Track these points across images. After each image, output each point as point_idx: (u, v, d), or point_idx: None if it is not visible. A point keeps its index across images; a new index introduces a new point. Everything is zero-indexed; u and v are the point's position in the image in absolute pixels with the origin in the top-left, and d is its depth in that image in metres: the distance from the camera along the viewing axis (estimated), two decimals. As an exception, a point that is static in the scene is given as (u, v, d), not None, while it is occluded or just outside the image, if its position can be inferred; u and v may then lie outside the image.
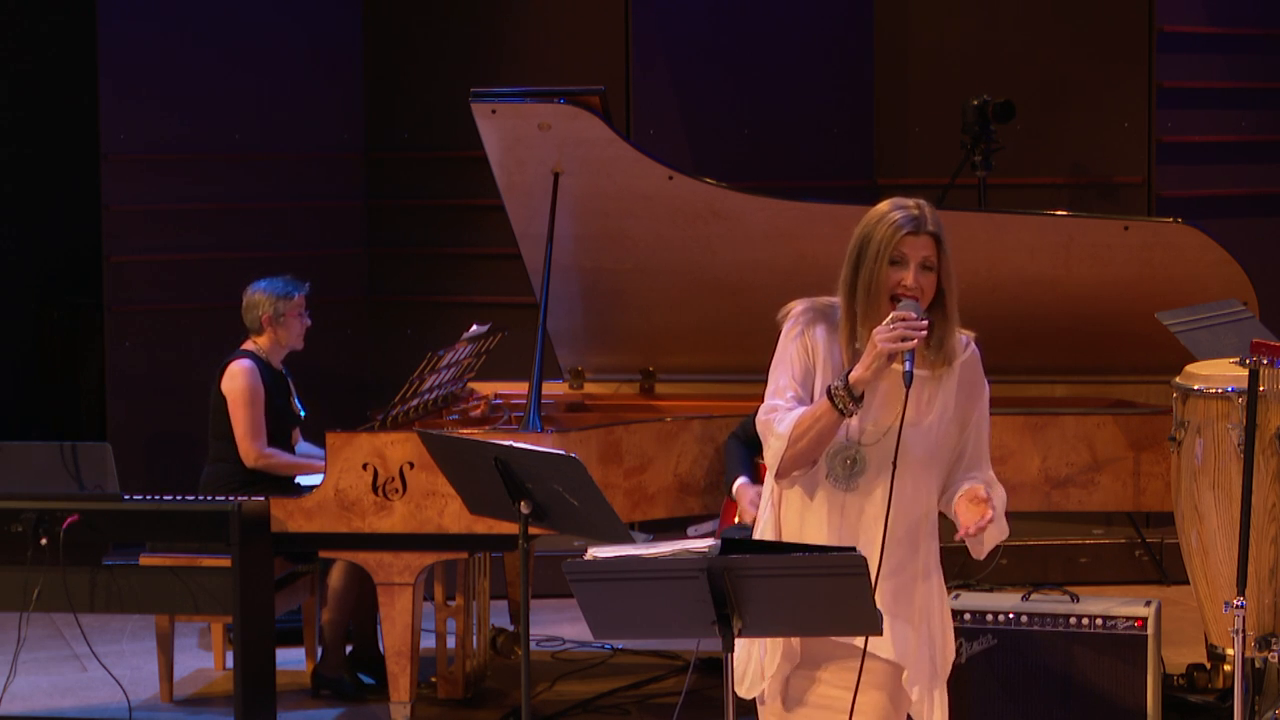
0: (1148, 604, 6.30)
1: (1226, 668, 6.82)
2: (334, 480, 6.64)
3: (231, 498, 6.71)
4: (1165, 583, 8.80)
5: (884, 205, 4.38)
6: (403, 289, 9.82)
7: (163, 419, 9.38)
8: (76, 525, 6.53)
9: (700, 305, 7.48)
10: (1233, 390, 5.77)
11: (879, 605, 4.23)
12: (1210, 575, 5.91)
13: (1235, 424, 5.73)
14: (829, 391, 4.32)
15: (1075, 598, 6.40)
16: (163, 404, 9.37)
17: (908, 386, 4.25)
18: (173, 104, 9.41)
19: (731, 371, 7.57)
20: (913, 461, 4.39)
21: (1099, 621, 6.26)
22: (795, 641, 4.45)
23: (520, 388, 7.56)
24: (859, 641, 4.34)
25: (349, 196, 9.80)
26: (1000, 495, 4.49)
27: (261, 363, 7.44)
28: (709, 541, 4.07)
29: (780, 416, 4.37)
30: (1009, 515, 4.56)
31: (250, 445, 7.33)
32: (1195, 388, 5.90)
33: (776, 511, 4.50)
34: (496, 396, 7.72)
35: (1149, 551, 9.04)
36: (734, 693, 4.28)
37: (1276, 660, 5.86)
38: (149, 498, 6.75)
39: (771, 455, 4.39)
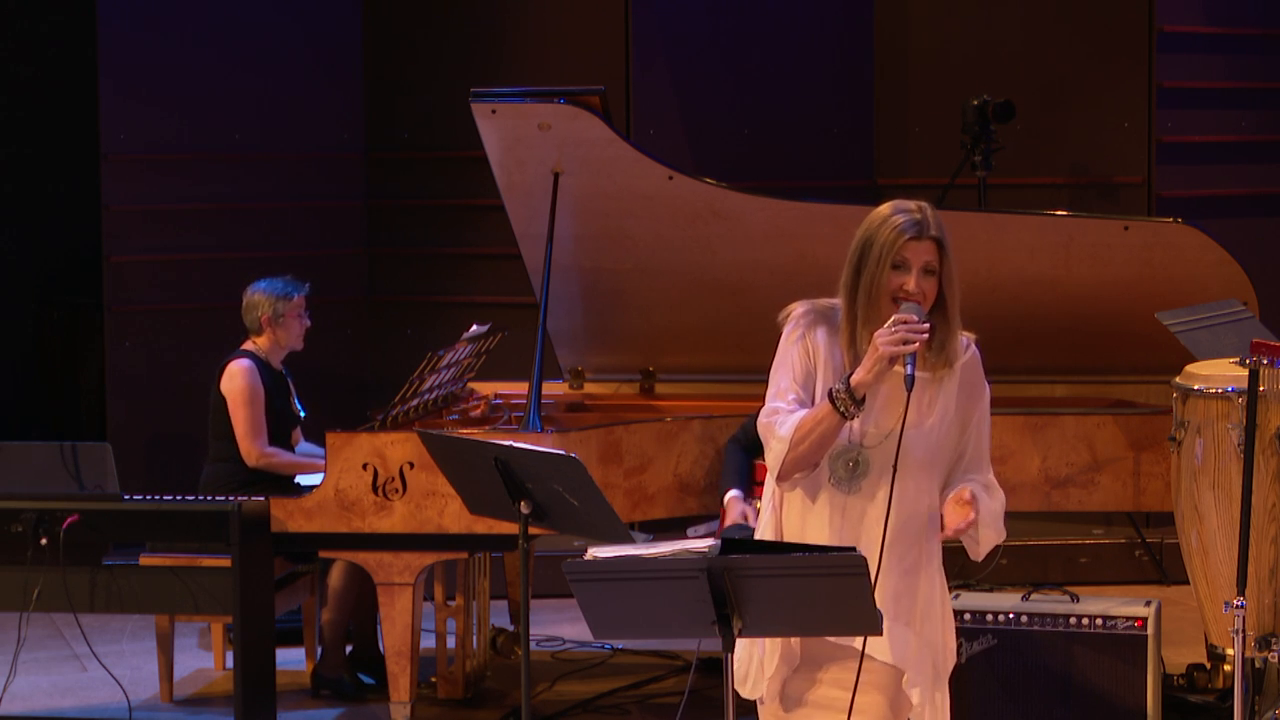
0: (1148, 604, 6.30)
1: (1226, 668, 6.82)
2: (334, 480, 6.64)
3: (231, 498, 6.71)
4: (1165, 583, 8.80)
5: (885, 208, 4.38)
6: (403, 289, 9.82)
7: (163, 419, 9.38)
8: (76, 525, 6.53)
9: (700, 305, 7.48)
10: (1233, 390, 5.77)
11: (879, 607, 4.23)
12: (1210, 575, 5.91)
13: (1235, 424, 5.73)
14: (830, 394, 4.31)
15: (1075, 598, 6.40)
16: (163, 404, 9.37)
17: (909, 390, 4.25)
18: (173, 104, 9.41)
19: (731, 371, 7.57)
20: (914, 464, 4.39)
21: (1099, 621, 6.26)
22: (794, 643, 4.45)
23: (520, 388, 7.56)
24: (859, 643, 4.34)
25: (349, 196, 9.80)
26: (999, 499, 4.49)
27: (261, 363, 7.44)
28: (709, 541, 4.07)
29: (782, 419, 4.37)
30: (1009, 515, 4.56)
31: (251, 445, 7.33)
32: (1195, 388, 5.90)
33: (778, 514, 4.50)
34: (496, 396, 7.72)
35: (1149, 551, 9.04)
36: (734, 693, 4.28)
37: (1276, 660, 5.86)
38: (149, 498, 6.75)
39: (773, 458, 4.38)
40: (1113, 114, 9.62)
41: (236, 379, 7.35)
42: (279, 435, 7.45)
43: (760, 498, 6.32)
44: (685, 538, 5.27)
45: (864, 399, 4.31)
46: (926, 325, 4.28)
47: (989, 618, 6.33)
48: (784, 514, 4.49)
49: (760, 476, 6.47)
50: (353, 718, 7.16)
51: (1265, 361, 5.61)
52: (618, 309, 7.57)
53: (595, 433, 6.73)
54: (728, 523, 6.44)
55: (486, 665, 7.50)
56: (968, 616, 6.29)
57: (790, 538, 4.46)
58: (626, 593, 4.08)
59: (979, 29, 9.73)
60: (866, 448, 4.40)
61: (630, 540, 4.94)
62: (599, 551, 4.09)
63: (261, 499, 6.71)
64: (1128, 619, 6.25)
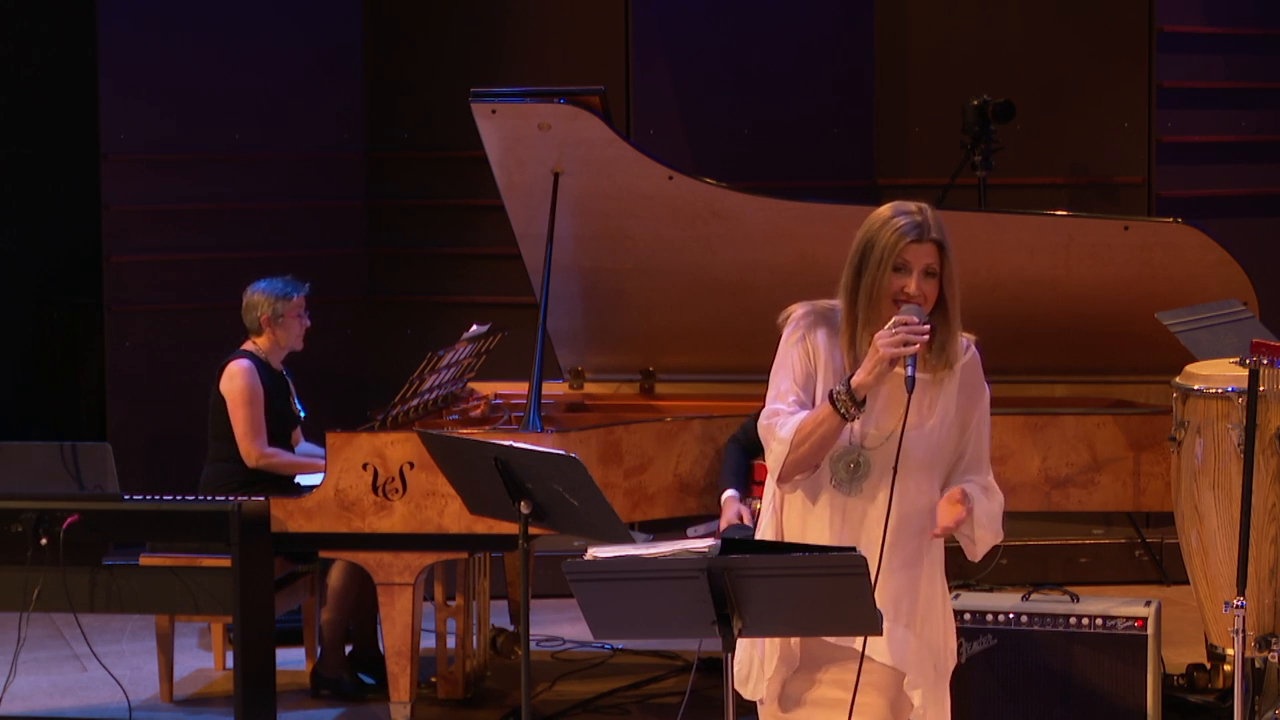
0: (1148, 604, 6.30)
1: (1226, 668, 6.82)
2: (334, 480, 6.64)
3: (231, 498, 6.71)
4: (1165, 583, 8.80)
5: (886, 210, 4.37)
6: (403, 289, 9.82)
7: (163, 419, 9.38)
8: (76, 525, 6.53)
9: (700, 305, 7.48)
10: (1233, 390, 5.77)
11: (880, 608, 4.23)
12: (1210, 575, 5.91)
13: (1235, 424, 5.73)
14: (831, 396, 4.31)
15: (1075, 598, 6.40)
16: (163, 404, 9.37)
17: (910, 391, 4.25)
18: (173, 104, 9.41)
19: (731, 371, 7.57)
20: (914, 465, 4.39)
21: (1099, 621, 6.26)
22: (794, 644, 4.45)
23: (520, 388, 7.56)
24: (859, 644, 4.34)
25: (349, 196, 9.80)
26: (997, 500, 4.49)
27: (260, 363, 7.44)
28: (709, 541, 4.07)
29: (782, 421, 4.36)
30: (1009, 515, 4.56)
31: (251, 445, 7.33)
32: (1195, 388, 5.90)
33: (778, 516, 4.50)
34: (496, 396, 7.72)
35: (1149, 551, 9.04)
36: (734, 693, 4.28)
37: (1276, 660, 5.86)
38: (149, 498, 6.75)
39: (774, 460, 4.38)
40: (1113, 114, 9.62)
41: (235, 379, 7.35)
42: (279, 435, 7.45)
43: (759, 498, 6.33)
44: (685, 538, 5.27)
45: (864, 400, 4.31)
46: (927, 327, 4.28)
47: (989, 618, 6.33)
48: (784, 516, 4.49)
49: (760, 477, 6.47)
50: (353, 718, 7.16)
51: (1265, 361, 5.61)
52: (618, 309, 7.57)
53: (595, 433, 6.73)
54: (723, 522, 6.44)
55: (486, 665, 7.50)
56: (968, 616, 6.29)
57: (791, 539, 4.46)
58: (626, 593, 4.08)
59: (979, 29, 9.73)
60: (867, 449, 4.39)
61: (630, 540, 4.94)
62: (599, 551, 4.09)
63: (261, 499, 6.71)
64: (1128, 619, 6.25)
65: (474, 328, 7.41)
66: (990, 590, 8.06)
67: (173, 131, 9.41)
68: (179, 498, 6.71)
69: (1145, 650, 6.22)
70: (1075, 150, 9.67)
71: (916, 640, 4.43)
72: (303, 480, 7.22)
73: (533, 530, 5.39)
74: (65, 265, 10.69)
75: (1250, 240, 8.76)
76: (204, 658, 7.93)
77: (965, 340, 4.46)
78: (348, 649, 7.43)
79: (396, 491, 6.61)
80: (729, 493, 6.48)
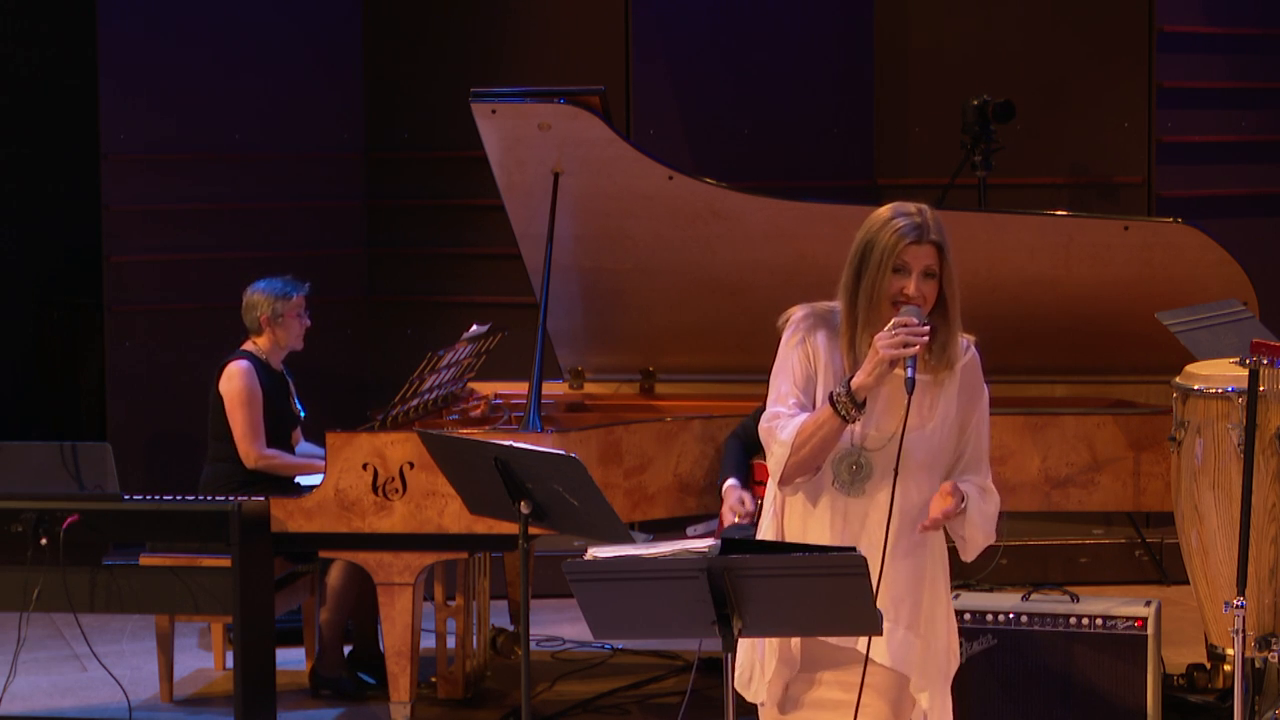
0: (1148, 604, 6.30)
1: (1226, 668, 6.82)
2: (334, 480, 6.64)
3: (231, 498, 6.71)
4: (1165, 583, 8.80)
5: (885, 211, 4.37)
6: (403, 289, 9.82)
7: (163, 419, 9.38)
8: (76, 525, 6.53)
9: (700, 305, 7.48)
10: (1233, 390, 5.77)
11: (882, 609, 4.24)
12: (1210, 575, 5.91)
13: (1235, 424, 5.73)
14: (831, 398, 4.31)
15: (1075, 598, 6.40)
16: (163, 404, 9.37)
17: (910, 393, 4.25)
18: (173, 104, 9.41)
19: (731, 371, 7.57)
20: (915, 466, 4.39)
21: (1099, 621, 6.26)
22: (794, 647, 4.45)
23: (520, 388, 7.56)
24: (860, 646, 4.34)
25: (349, 196, 9.80)
26: (993, 502, 4.48)
27: (260, 363, 7.44)
28: (709, 541, 4.07)
29: (783, 424, 4.36)
30: (1007, 515, 4.57)
31: (249, 447, 7.33)
32: (1195, 388, 5.90)
33: (779, 518, 4.50)
34: (496, 396, 7.72)
35: (1149, 551, 9.04)
36: (734, 693, 4.28)
37: (1276, 660, 5.86)
38: (149, 498, 6.75)
39: (775, 462, 4.38)
40: (1113, 114, 9.61)
41: (234, 380, 7.35)
42: (279, 435, 7.45)
43: (759, 495, 6.32)
44: (685, 538, 5.27)
45: (865, 402, 4.31)
46: (926, 328, 4.28)
47: (989, 618, 6.33)
48: (785, 517, 4.48)
49: (760, 476, 6.46)
50: (353, 718, 7.16)
51: (1265, 361, 5.61)
52: (618, 309, 7.57)
53: (595, 433, 6.73)
54: (725, 509, 6.42)
55: (486, 665, 7.50)
56: (968, 616, 6.29)
57: (792, 540, 4.45)
58: (626, 593, 4.08)
59: (979, 29, 9.73)
60: (868, 450, 4.39)
61: (630, 540, 4.94)
62: (599, 551, 4.09)
63: (261, 499, 6.71)
64: (1128, 619, 6.25)
65: (474, 328, 7.41)
66: (990, 590, 8.06)
67: (173, 131, 9.41)
68: (179, 498, 6.71)
69: (1145, 650, 6.22)
70: (1075, 150, 9.67)
71: (920, 642, 4.43)
72: (303, 480, 7.22)
73: (533, 530, 5.39)
74: (65, 265, 10.68)
75: (1250, 240, 8.76)
76: (204, 658, 7.93)
77: (965, 341, 4.46)
78: (347, 649, 7.43)
79: (396, 491, 6.61)
80: (730, 482, 6.47)
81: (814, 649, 4.44)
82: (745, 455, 6.57)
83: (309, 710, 7.22)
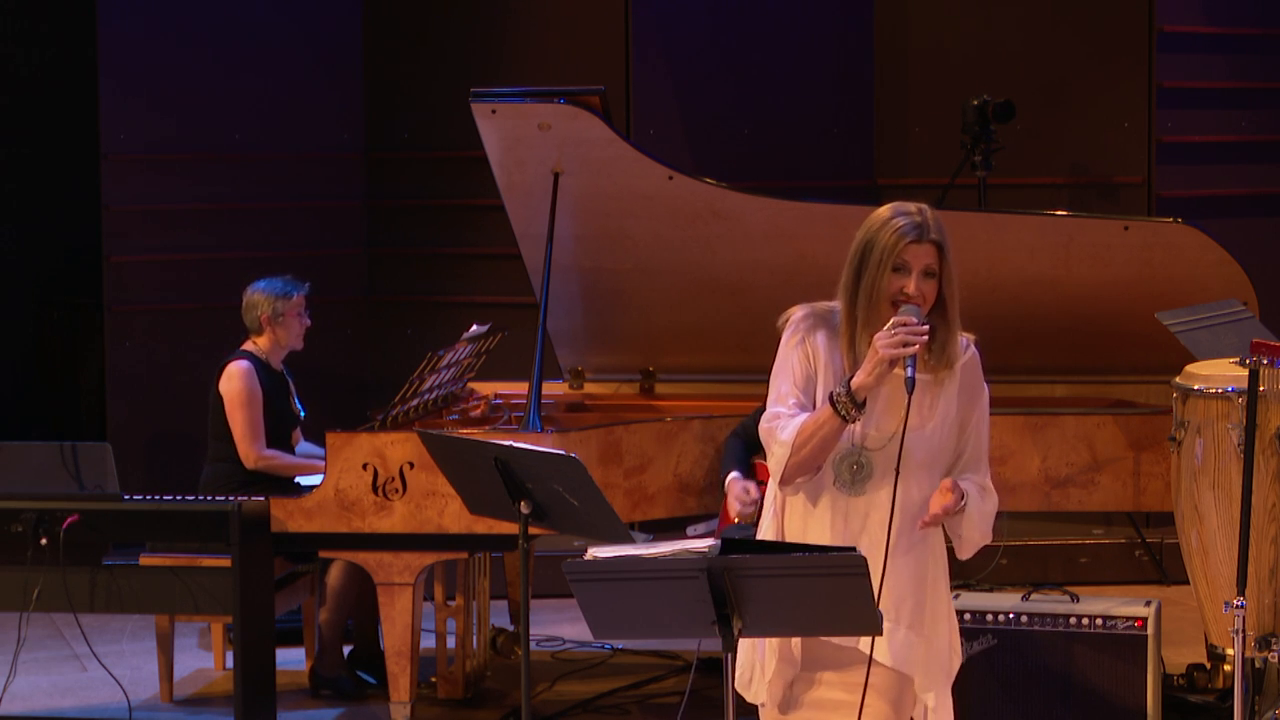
0: (1148, 604, 6.30)
1: (1226, 668, 6.82)
2: (334, 480, 6.64)
3: (231, 498, 6.71)
4: (1165, 583, 8.80)
5: (885, 210, 4.37)
6: (403, 289, 9.82)
7: (163, 419, 9.38)
8: (76, 525, 6.53)
9: (700, 305, 7.48)
10: (1233, 390, 5.77)
11: (884, 610, 4.24)
12: (1210, 575, 5.90)
13: (1235, 424, 5.73)
14: (831, 398, 4.31)
15: (1075, 598, 6.40)
16: (163, 404, 9.37)
17: (910, 392, 4.25)
18: (173, 104, 9.41)
19: (731, 371, 7.57)
20: (916, 466, 4.39)
21: (1099, 621, 6.26)
22: (795, 647, 4.44)
23: (520, 388, 7.56)
24: (861, 646, 4.34)
25: (349, 196, 9.80)
26: (991, 501, 4.48)
27: (260, 363, 7.43)
28: (709, 541, 4.07)
29: (783, 424, 4.36)
30: (1007, 515, 4.57)
31: (249, 447, 7.33)
32: (1195, 388, 5.90)
33: (780, 518, 4.50)
34: (496, 396, 7.72)
35: (1149, 551, 9.04)
36: (735, 693, 4.28)
37: (1276, 660, 5.86)
38: (149, 498, 6.75)
39: (775, 463, 4.38)
40: (1113, 114, 9.61)
41: (234, 381, 7.35)
42: (279, 435, 7.45)
43: (761, 492, 6.31)
44: (685, 538, 5.27)
45: (865, 402, 4.31)
46: (926, 327, 4.28)
47: (989, 618, 6.33)
48: (786, 517, 4.48)
49: (760, 475, 6.46)
50: (353, 718, 7.16)
51: (1265, 361, 5.61)
52: (618, 309, 7.57)
53: (595, 433, 6.73)
54: (730, 499, 6.41)
55: (486, 665, 7.50)
56: (968, 616, 6.29)
57: (792, 540, 4.45)
58: (626, 593, 4.08)
59: (979, 29, 9.73)
60: (869, 450, 4.39)
61: (630, 540, 4.94)
62: (599, 551, 4.09)
63: (261, 499, 6.71)
64: (1128, 619, 6.25)
65: (474, 328, 7.41)
66: (990, 590, 8.06)
67: (173, 131, 9.41)
68: (179, 498, 6.71)
69: (1145, 650, 6.22)
70: (1075, 150, 9.67)
71: (922, 641, 4.43)
72: (303, 480, 7.22)
73: (533, 530, 5.39)
74: (65, 265, 10.68)
75: (1250, 240, 8.76)
76: (204, 658, 7.93)
77: (964, 340, 4.46)
78: (347, 649, 7.43)
79: (396, 491, 6.61)
80: (733, 475, 6.46)
81: (815, 649, 4.44)
82: (746, 452, 6.57)
83: (309, 710, 7.22)
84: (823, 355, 4.41)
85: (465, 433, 6.76)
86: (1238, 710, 5.56)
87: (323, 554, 6.98)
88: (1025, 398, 7.32)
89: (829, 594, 4.02)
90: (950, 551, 4.56)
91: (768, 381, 4.47)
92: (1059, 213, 7.44)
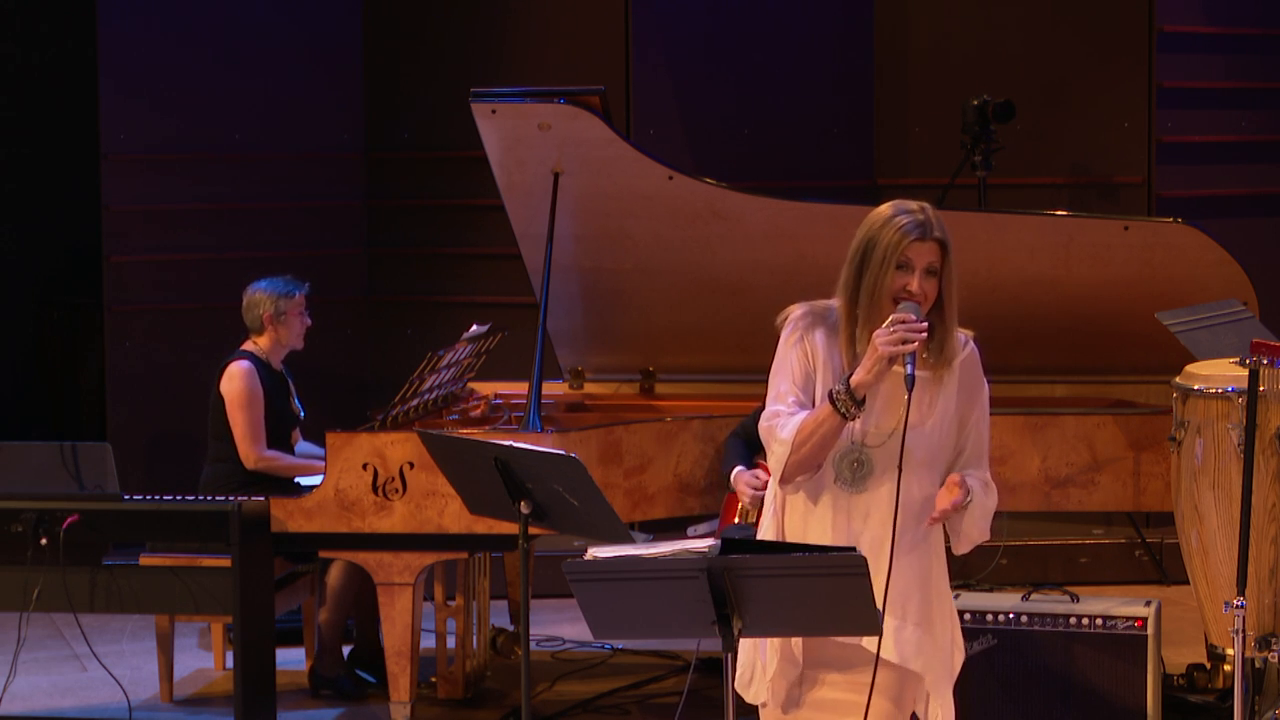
0: (1148, 604, 6.30)
1: (1226, 668, 6.82)
2: (334, 480, 6.64)
3: (231, 498, 6.71)
4: (1165, 583, 8.80)
5: (886, 209, 4.37)
6: (403, 289, 9.82)
7: (163, 419, 9.38)
8: (76, 525, 6.53)
9: (700, 305, 7.48)
10: (1233, 390, 5.77)
11: (889, 607, 4.24)
12: (1210, 575, 5.90)
13: (1235, 424, 5.73)
14: (831, 395, 4.31)
15: (1075, 598, 6.40)
16: (163, 404, 9.37)
17: (910, 389, 4.25)
18: (173, 104, 9.41)
19: (731, 371, 7.57)
20: (916, 463, 4.39)
21: (1099, 621, 6.26)
22: (797, 648, 4.44)
23: (520, 388, 7.56)
24: (867, 644, 4.33)
25: (349, 196, 9.80)
26: (993, 497, 4.48)
27: (261, 363, 7.43)
28: (709, 541, 4.07)
29: (783, 422, 4.36)
30: (1007, 515, 4.57)
31: (249, 448, 7.33)
32: (1195, 388, 5.90)
33: (780, 517, 4.50)
34: (496, 396, 7.72)
35: (1149, 551, 9.04)
36: (734, 693, 4.28)
37: (1276, 660, 5.86)
38: (149, 498, 6.75)
39: (775, 461, 4.38)
40: (1113, 114, 9.61)
41: (235, 381, 7.35)
42: (279, 436, 7.45)
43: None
44: (685, 538, 5.27)
45: (864, 399, 4.31)
46: (925, 324, 4.28)
47: (989, 618, 6.33)
48: (786, 517, 4.48)
49: (762, 471, 6.45)
50: (353, 718, 7.16)
51: (1265, 361, 5.61)
52: (618, 309, 7.57)
53: (595, 433, 6.73)
54: (740, 489, 6.40)
55: (486, 665, 7.50)
56: (968, 616, 6.29)
57: (792, 539, 4.45)
58: (626, 593, 4.08)
59: (979, 29, 9.73)
60: (869, 448, 4.39)
61: (630, 540, 4.94)
62: (599, 551, 4.09)
63: (261, 499, 6.71)
64: (1128, 619, 6.25)
65: (474, 328, 7.41)
66: (990, 590, 8.06)
67: (173, 131, 9.41)
68: (179, 498, 6.71)
69: (1145, 650, 6.22)
70: (1075, 150, 9.67)
71: (928, 638, 4.43)
72: (303, 480, 7.22)
73: (533, 530, 5.38)
74: (65, 265, 10.69)
75: (1250, 240, 8.76)
76: (204, 658, 7.93)
77: (964, 337, 4.46)
78: (347, 649, 7.43)
79: (396, 491, 6.61)
80: (738, 469, 6.45)
81: (819, 649, 4.43)
82: (748, 450, 6.56)
83: (309, 710, 7.22)
84: (821, 353, 4.41)
85: (465, 433, 6.76)
86: (1238, 710, 5.56)
87: (323, 554, 6.98)
88: (1025, 398, 7.32)
89: (829, 594, 4.02)
90: (948, 550, 4.56)
91: (767, 381, 4.47)
92: (1059, 213, 7.44)
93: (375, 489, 6.62)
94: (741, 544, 4.09)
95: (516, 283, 8.19)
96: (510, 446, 5.18)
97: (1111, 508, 7.12)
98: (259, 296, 7.47)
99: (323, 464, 6.70)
